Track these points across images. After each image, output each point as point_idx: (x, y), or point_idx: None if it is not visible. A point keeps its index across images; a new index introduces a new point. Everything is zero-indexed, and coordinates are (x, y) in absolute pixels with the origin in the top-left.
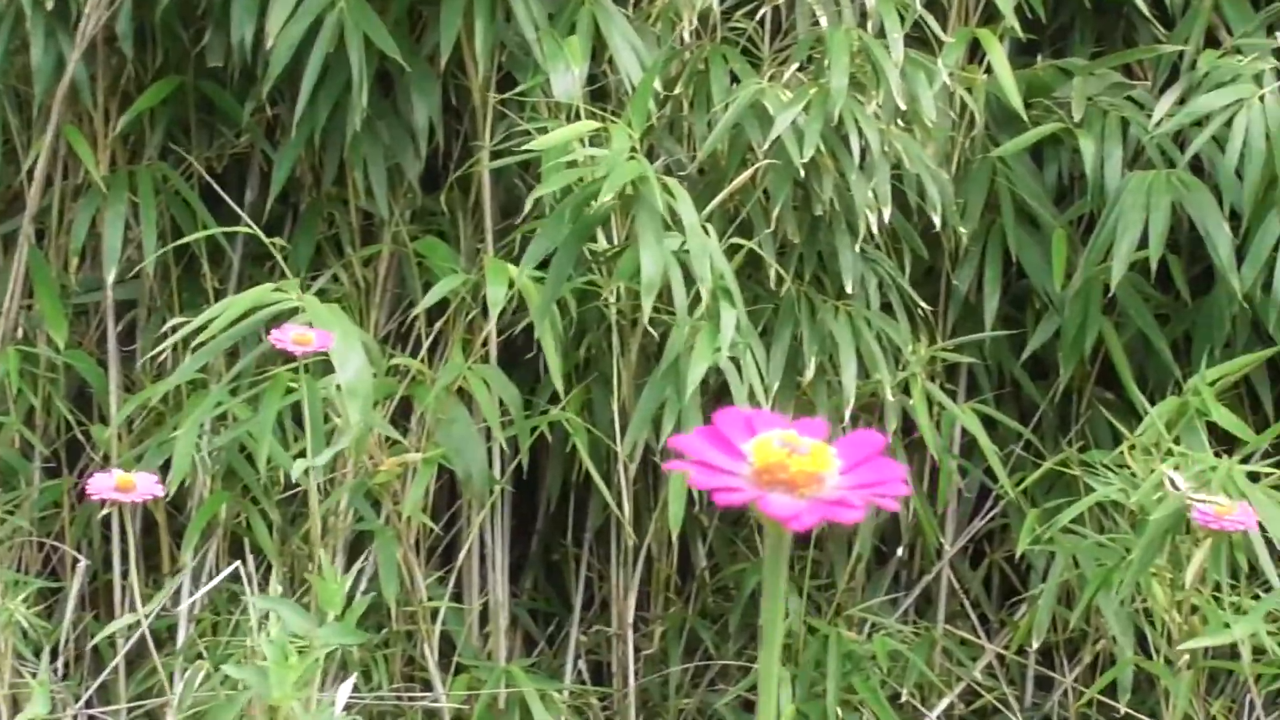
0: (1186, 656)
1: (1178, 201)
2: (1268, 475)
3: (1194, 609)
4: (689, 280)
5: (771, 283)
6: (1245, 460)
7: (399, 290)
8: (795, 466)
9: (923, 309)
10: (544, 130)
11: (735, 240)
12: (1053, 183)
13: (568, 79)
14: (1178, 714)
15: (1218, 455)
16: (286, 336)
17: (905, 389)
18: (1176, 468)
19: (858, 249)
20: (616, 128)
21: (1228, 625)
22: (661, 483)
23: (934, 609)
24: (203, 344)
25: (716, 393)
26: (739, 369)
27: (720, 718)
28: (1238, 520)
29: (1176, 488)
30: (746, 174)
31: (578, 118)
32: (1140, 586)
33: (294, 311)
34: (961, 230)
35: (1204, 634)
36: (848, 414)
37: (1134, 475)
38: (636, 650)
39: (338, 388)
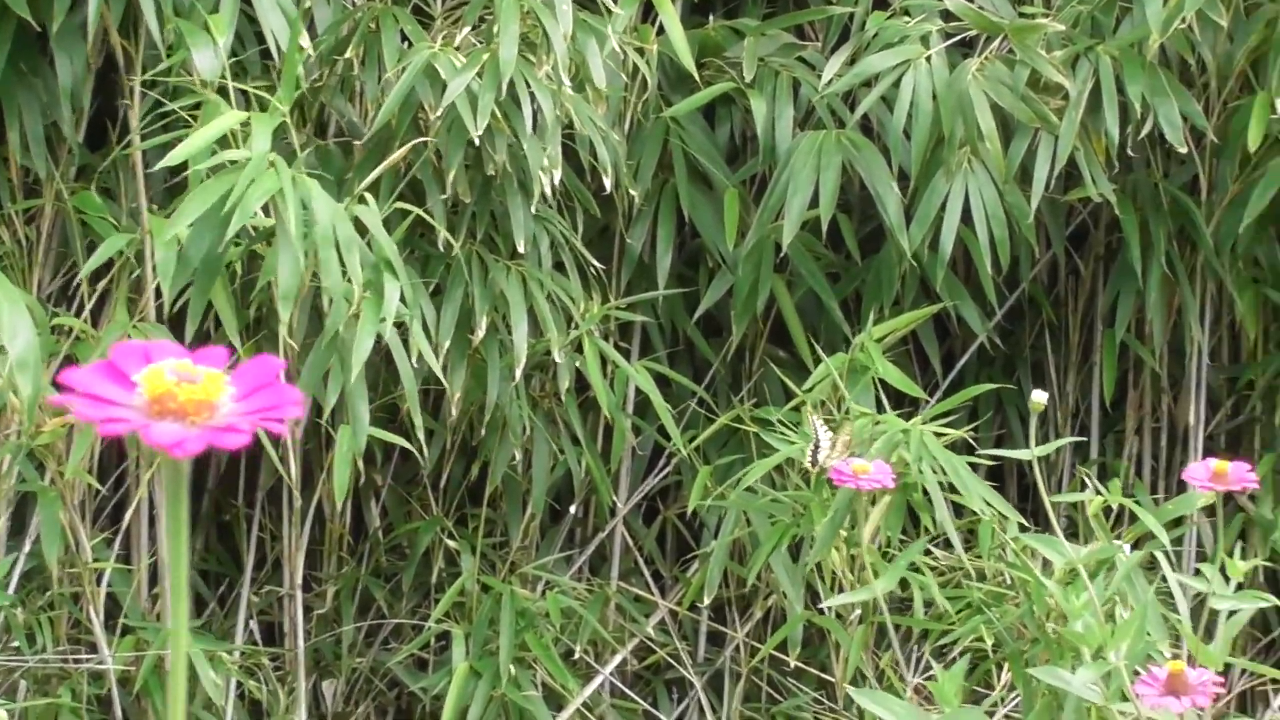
0: (858, 611)
1: (848, 161)
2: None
3: (865, 565)
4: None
5: (442, 244)
6: (911, 416)
7: (63, 249)
8: (184, 395)
9: (596, 268)
10: (195, 107)
11: (404, 206)
12: (725, 143)
13: (208, 55)
14: (848, 668)
15: (885, 411)
16: None
17: (578, 347)
18: (833, 421)
19: (531, 209)
20: (259, 120)
21: (916, 584)
22: (332, 443)
23: (608, 566)
24: None
25: (385, 352)
26: (405, 337)
27: (393, 676)
28: (874, 479)
29: (819, 442)
30: (408, 146)
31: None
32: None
33: None
34: (634, 190)
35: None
36: (519, 373)
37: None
38: (308, 610)
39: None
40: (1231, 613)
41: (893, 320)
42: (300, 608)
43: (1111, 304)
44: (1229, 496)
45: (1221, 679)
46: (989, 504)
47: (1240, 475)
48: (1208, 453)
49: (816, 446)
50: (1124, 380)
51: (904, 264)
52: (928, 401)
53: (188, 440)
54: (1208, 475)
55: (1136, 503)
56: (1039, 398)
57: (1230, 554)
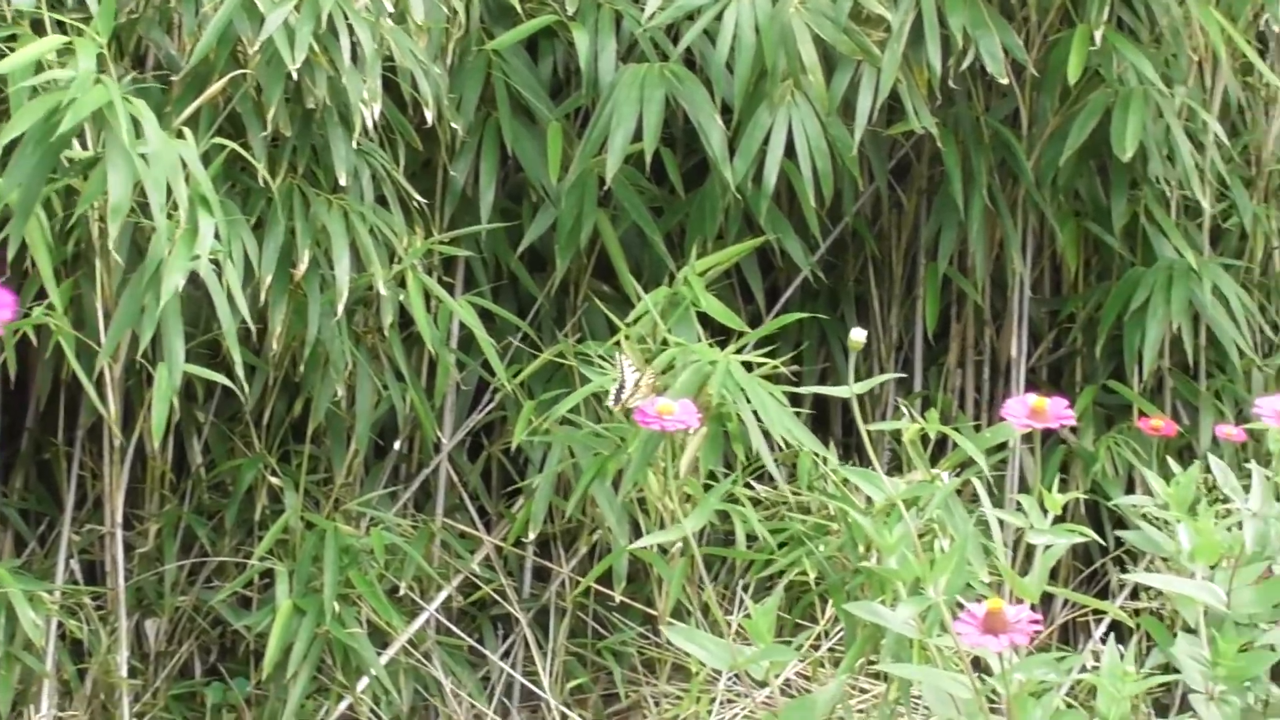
0: (679, 545)
1: (671, 94)
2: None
3: (687, 497)
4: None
5: (262, 178)
6: (740, 350)
7: None
8: None
9: (418, 202)
10: (11, 39)
11: (222, 141)
12: (548, 76)
13: None
14: (670, 601)
15: (710, 345)
16: None
17: (402, 282)
18: (649, 354)
19: (352, 143)
20: (83, 43)
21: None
22: (153, 381)
23: (433, 502)
24: None
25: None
26: (220, 274)
27: (217, 614)
28: (678, 420)
29: (624, 382)
30: (226, 80)
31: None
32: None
33: None
34: (456, 124)
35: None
36: (341, 307)
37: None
38: (130, 548)
39: None
40: (1049, 546)
41: (716, 254)
42: (121, 546)
43: (934, 237)
44: (1049, 430)
45: (1039, 615)
46: (796, 436)
47: (1058, 412)
48: (1030, 386)
49: (621, 387)
50: (947, 313)
51: (727, 197)
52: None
53: None
54: (1025, 412)
55: (957, 430)
56: (857, 336)
57: (1050, 487)
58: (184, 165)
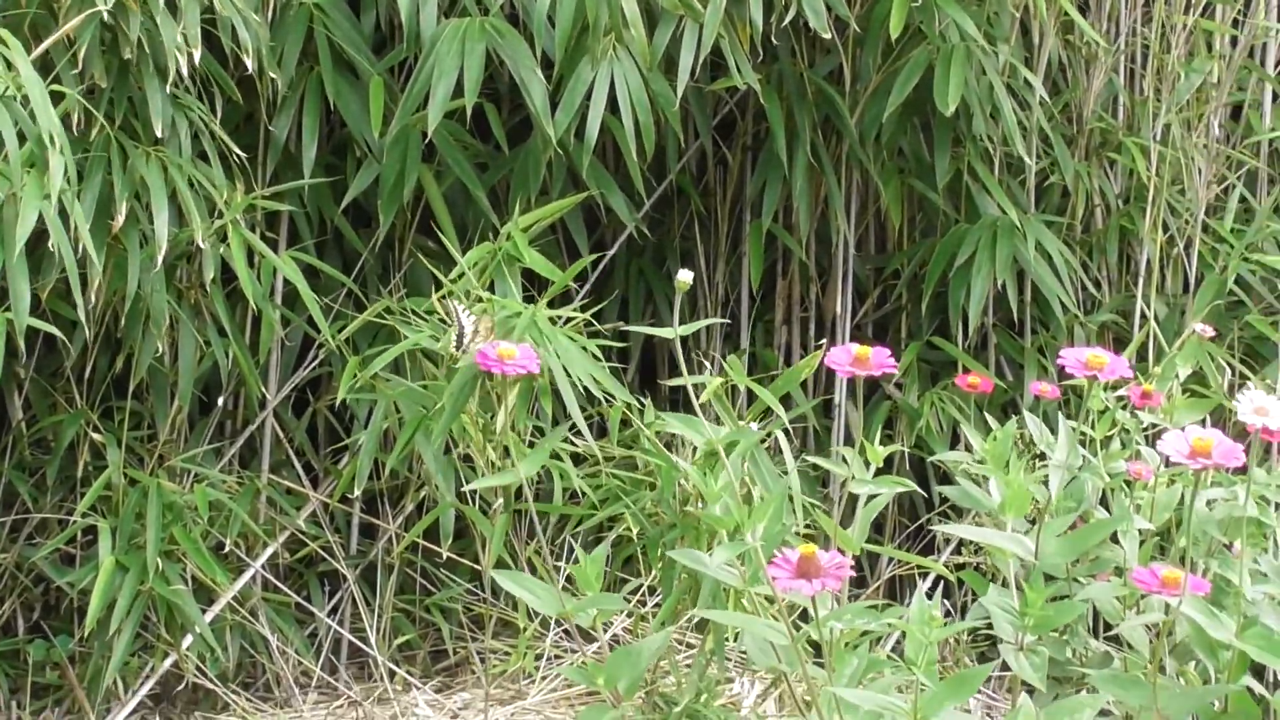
0: (500, 500)
1: (492, 48)
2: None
3: (506, 451)
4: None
5: (78, 128)
6: (554, 304)
7: None
8: None
9: (239, 156)
10: None
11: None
12: (371, 30)
13: None
14: (492, 556)
15: (532, 300)
16: None
17: (224, 237)
18: (483, 305)
19: (169, 93)
20: None
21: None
22: None
23: (258, 459)
24: None
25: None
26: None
27: (39, 571)
28: (519, 364)
29: (463, 328)
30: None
31: None
32: (456, 432)
33: None
34: (277, 76)
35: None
36: (160, 260)
37: (444, 321)
38: None
39: None
40: (871, 496)
41: (539, 209)
42: None
43: (758, 194)
44: (876, 384)
45: (852, 560)
46: (602, 384)
47: (880, 360)
48: (855, 342)
49: (461, 333)
50: (773, 270)
51: (549, 152)
52: (577, 290)
53: None
54: (849, 360)
55: (760, 382)
56: (684, 277)
57: (873, 441)
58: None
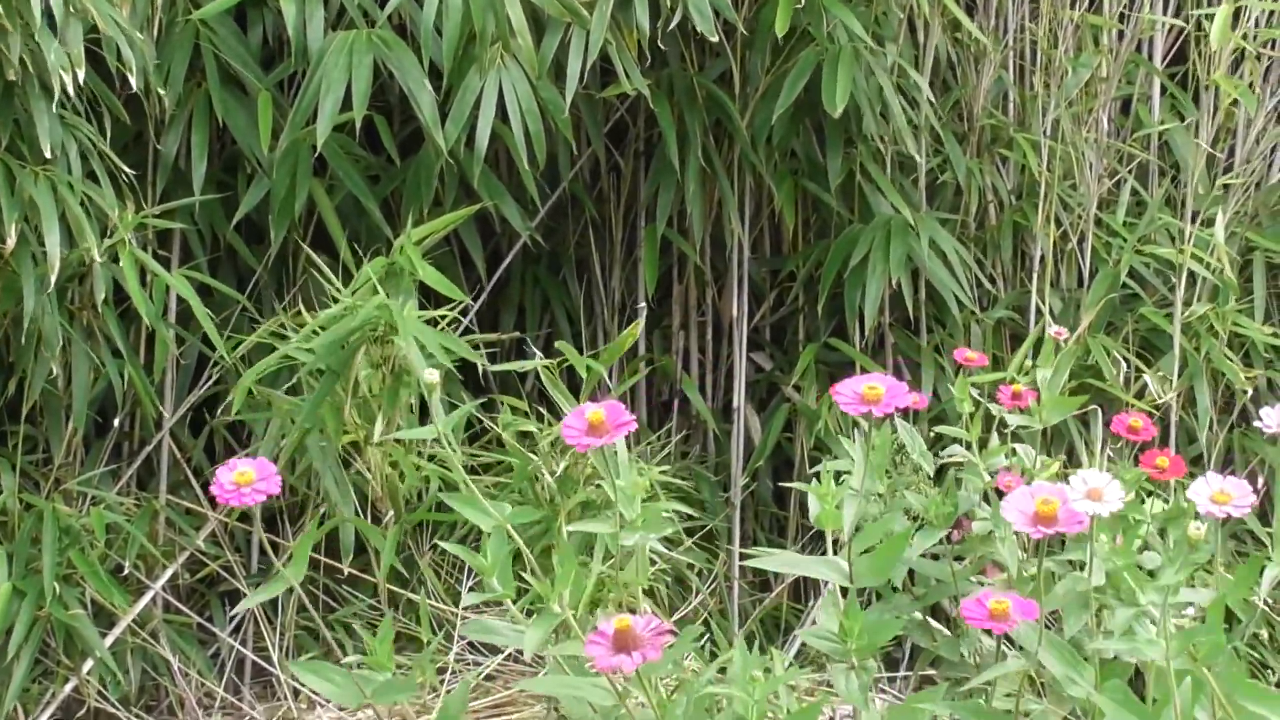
0: (391, 514)
1: (380, 60)
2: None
3: (394, 464)
4: None
5: None
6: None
7: None
8: None
9: (128, 175)
10: None
11: None
12: (259, 46)
13: None
14: (385, 569)
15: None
16: None
17: (115, 257)
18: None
19: (55, 113)
20: None
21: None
22: None
23: (156, 479)
24: None
25: None
26: None
27: None
28: (257, 491)
29: None
30: None
31: None
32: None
33: None
34: (163, 94)
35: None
36: (53, 280)
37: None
38: None
39: None
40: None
41: (432, 222)
42: None
43: (652, 199)
44: (775, 388)
45: (671, 627)
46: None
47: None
48: (753, 345)
49: None
50: (669, 275)
51: (441, 162)
52: (472, 302)
53: None
54: (584, 428)
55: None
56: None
57: (774, 444)
58: None
